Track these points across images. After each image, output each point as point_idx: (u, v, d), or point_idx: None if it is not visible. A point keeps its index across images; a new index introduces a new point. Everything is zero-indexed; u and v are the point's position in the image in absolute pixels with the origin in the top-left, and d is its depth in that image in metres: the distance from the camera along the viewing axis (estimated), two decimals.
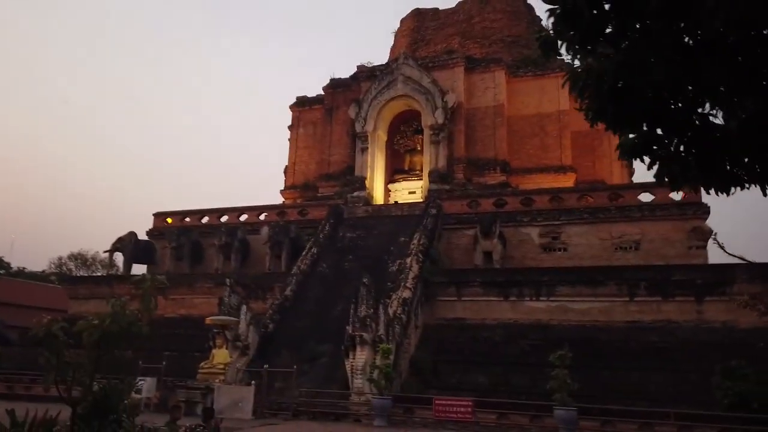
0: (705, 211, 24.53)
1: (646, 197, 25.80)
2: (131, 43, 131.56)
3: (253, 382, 14.38)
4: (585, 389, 17.81)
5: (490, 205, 27.44)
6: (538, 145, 32.98)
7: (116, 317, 5.98)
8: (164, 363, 17.56)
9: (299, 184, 36.81)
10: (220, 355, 14.69)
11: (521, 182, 31.84)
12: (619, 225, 25.43)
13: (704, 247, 24.40)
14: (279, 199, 39.37)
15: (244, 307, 19.37)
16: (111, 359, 6.21)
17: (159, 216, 33.06)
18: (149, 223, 33.19)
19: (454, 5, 46.89)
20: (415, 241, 24.81)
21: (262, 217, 31.57)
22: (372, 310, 17.90)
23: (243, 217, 31.53)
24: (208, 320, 16.49)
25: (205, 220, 32.22)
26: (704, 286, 21.28)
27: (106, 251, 31.15)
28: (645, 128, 4.59)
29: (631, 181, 38.45)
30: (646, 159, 4.70)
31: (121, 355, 6.38)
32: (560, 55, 4.48)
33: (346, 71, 43.64)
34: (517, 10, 44.73)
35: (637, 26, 4.20)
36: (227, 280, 20.04)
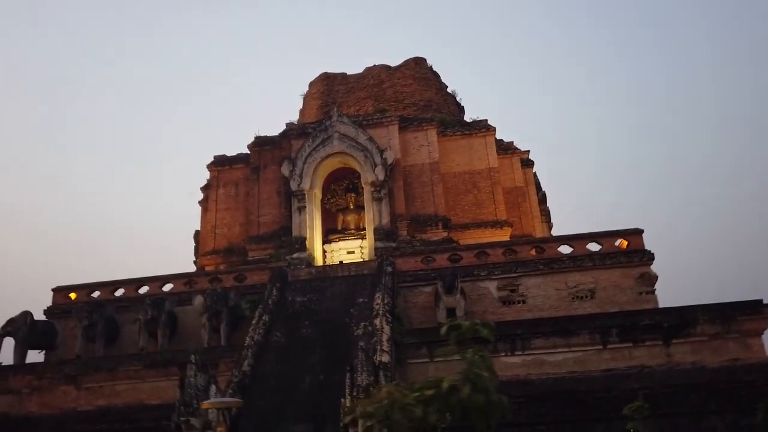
0: (650, 257, 25.73)
1: (593, 246, 26.63)
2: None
3: None
4: None
5: (444, 261, 26.71)
6: (473, 201, 33.33)
7: (477, 382, 4.03)
8: None
9: (222, 249, 33.67)
10: None
11: (461, 237, 31.67)
12: (573, 274, 25.81)
13: (653, 291, 25.48)
14: (188, 268, 35.88)
15: (213, 387, 16.33)
16: None
17: (60, 291, 28.09)
18: (47, 301, 28.10)
19: (361, 71, 47.61)
20: (379, 301, 23.19)
21: (184, 286, 28.04)
22: (373, 378, 15.88)
23: (167, 287, 27.75)
24: (204, 404, 13.49)
25: (119, 292, 27.87)
26: (670, 328, 21.85)
27: None
28: None
29: (551, 235, 40.10)
30: None
31: None
32: None
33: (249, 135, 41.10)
34: (425, 77, 46.41)
35: None
36: (192, 356, 16.88)
